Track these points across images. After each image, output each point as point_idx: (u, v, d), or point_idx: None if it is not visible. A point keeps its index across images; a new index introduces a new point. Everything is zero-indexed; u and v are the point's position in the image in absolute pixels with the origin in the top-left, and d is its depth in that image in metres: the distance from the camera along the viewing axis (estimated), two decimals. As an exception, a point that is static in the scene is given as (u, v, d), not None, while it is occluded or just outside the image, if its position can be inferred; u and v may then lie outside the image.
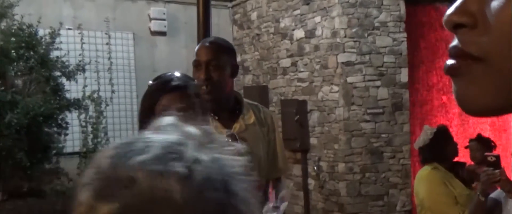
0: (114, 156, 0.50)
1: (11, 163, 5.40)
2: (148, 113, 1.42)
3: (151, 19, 7.18)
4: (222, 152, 0.51)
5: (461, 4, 0.45)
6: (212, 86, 1.81)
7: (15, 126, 5.14)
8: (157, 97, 1.43)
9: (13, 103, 5.22)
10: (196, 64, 1.85)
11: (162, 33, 7.31)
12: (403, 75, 5.87)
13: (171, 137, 0.51)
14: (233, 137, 1.85)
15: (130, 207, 0.46)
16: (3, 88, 5.26)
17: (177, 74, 1.52)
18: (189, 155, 0.48)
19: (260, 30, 7.25)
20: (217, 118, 1.88)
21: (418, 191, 3.06)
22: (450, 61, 0.47)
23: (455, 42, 0.46)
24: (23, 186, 6.00)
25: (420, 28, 6.22)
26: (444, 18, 0.47)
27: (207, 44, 1.90)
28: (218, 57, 1.84)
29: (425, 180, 3.03)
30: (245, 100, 1.99)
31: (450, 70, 0.47)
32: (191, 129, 0.53)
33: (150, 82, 1.54)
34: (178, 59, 7.38)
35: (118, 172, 0.47)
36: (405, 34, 5.92)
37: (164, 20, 7.23)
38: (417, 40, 6.23)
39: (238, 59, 7.82)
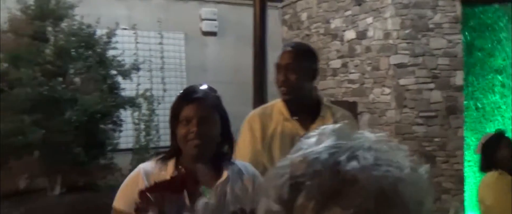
0: (327, 161, 0.56)
1: (69, 158, 5.63)
2: (174, 121, 1.63)
3: (202, 19, 7.32)
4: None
5: None
6: (289, 88, 1.91)
7: (74, 123, 5.36)
8: (181, 107, 1.61)
9: (73, 101, 5.44)
10: (276, 67, 1.95)
11: (213, 34, 7.43)
12: (458, 78, 5.74)
13: (368, 144, 0.58)
14: None
15: (360, 207, 0.52)
16: (64, 85, 5.48)
17: (203, 86, 1.69)
18: (402, 164, 0.53)
19: (310, 30, 7.25)
20: (297, 118, 1.95)
21: (485, 198, 2.98)
22: None
23: None
24: (79, 180, 6.24)
25: (476, 30, 6.07)
26: None
27: (288, 48, 2.00)
28: (297, 61, 1.94)
29: (492, 187, 2.96)
30: (326, 103, 2.04)
31: None
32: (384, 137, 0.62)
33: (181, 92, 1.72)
34: (228, 59, 7.48)
35: (340, 176, 0.53)
36: (460, 36, 5.78)
37: (214, 20, 7.35)
38: (472, 41, 6.08)
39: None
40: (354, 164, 0.54)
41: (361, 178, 0.53)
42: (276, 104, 2.04)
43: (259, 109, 2.08)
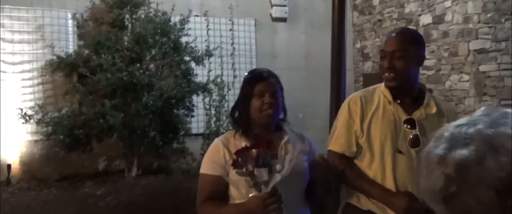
0: None
1: (146, 142, 5.86)
2: (247, 97, 1.91)
3: (272, 5, 7.32)
4: None
5: None
6: (395, 74, 1.90)
7: (151, 107, 5.55)
8: (254, 84, 1.90)
9: (150, 86, 5.64)
10: (382, 55, 1.93)
11: (283, 20, 7.43)
12: (545, 64, 5.43)
13: None
14: (412, 122, 1.94)
15: None
16: (141, 71, 5.69)
17: (266, 69, 2.00)
18: None
19: (383, 15, 7.09)
20: (399, 102, 1.96)
21: None
22: None
23: None
24: (154, 163, 6.49)
25: None
26: None
27: (394, 34, 1.96)
28: (403, 47, 1.90)
29: None
30: (429, 93, 2.02)
31: None
32: None
33: (246, 74, 2.01)
34: (298, 45, 7.47)
35: None
36: (549, 19, 5.45)
37: (285, 6, 7.34)
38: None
39: (358, 45, 7.75)
40: None
41: None
42: (378, 88, 2.03)
43: (360, 91, 2.08)
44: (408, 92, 1.96)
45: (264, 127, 1.94)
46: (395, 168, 1.93)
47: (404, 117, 1.94)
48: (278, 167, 1.73)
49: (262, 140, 1.80)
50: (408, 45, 1.91)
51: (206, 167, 1.94)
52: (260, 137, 1.88)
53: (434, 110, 1.96)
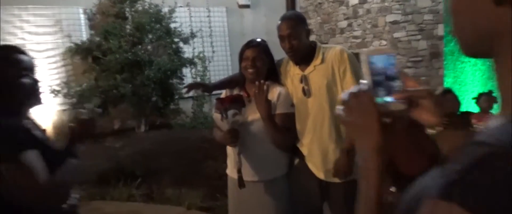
0: None
1: (150, 105, 5.90)
2: (240, 60, 2.01)
3: (238, -5, 7.30)
4: None
5: None
6: (295, 51, 1.91)
7: (152, 79, 5.57)
8: (243, 50, 1.99)
9: (150, 62, 5.64)
10: (281, 38, 1.92)
11: (247, 6, 7.42)
12: (440, 30, 5.69)
13: None
14: (304, 77, 1.97)
15: None
16: (142, 51, 5.66)
17: (259, 39, 2.04)
18: None
19: (322, -1, 7.18)
20: (298, 66, 2.00)
21: None
22: None
23: None
24: (156, 121, 6.55)
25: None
26: None
27: (285, 21, 1.91)
28: (295, 28, 1.88)
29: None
30: (320, 45, 1.99)
31: None
32: None
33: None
34: (260, 25, 7.51)
35: None
36: (442, -4, 5.68)
37: (248, -5, 7.33)
38: None
39: (304, 23, 7.84)
40: None
41: None
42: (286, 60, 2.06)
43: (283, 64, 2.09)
44: (304, 57, 1.95)
45: (250, 81, 2.01)
46: (297, 117, 1.99)
47: (300, 73, 1.97)
48: (233, 115, 1.84)
49: (227, 97, 1.94)
50: (297, 25, 1.89)
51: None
52: (238, 95, 1.96)
53: (319, 60, 1.94)
